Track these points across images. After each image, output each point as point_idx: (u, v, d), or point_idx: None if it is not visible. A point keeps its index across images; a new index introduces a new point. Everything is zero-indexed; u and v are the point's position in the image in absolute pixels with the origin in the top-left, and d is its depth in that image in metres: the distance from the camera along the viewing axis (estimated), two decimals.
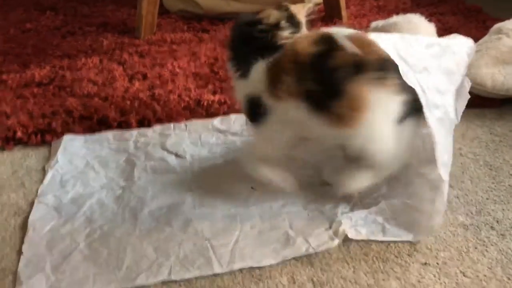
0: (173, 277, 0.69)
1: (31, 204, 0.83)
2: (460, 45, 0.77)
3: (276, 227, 0.77)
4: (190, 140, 1.00)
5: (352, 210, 0.80)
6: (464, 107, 0.75)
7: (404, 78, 0.66)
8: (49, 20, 1.64)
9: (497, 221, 0.78)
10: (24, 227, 0.79)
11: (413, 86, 0.66)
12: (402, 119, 0.69)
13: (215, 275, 0.69)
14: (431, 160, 0.70)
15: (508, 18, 1.52)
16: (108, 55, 1.36)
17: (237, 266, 0.70)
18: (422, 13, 1.59)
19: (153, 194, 0.85)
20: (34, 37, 1.49)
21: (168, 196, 0.85)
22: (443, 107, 0.69)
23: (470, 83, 0.77)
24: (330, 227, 0.76)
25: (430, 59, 0.71)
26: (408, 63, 0.67)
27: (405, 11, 1.64)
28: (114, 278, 0.69)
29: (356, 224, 0.76)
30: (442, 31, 1.47)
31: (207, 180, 0.89)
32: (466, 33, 1.38)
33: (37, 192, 0.86)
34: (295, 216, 0.79)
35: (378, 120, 0.68)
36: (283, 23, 0.75)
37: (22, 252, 0.74)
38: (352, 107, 0.67)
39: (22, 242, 0.75)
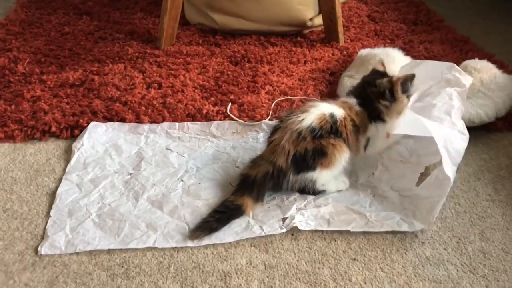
0: (156, 245, 0.93)
1: (59, 184, 1.08)
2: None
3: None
4: (189, 142, 1.22)
5: (306, 207, 1.01)
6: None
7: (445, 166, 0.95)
8: (84, 24, 1.87)
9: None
10: (53, 197, 1.04)
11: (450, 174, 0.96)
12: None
13: (192, 253, 0.92)
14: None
15: (493, 50, 1.70)
16: (132, 62, 1.58)
17: (204, 242, 0.93)
18: (413, 40, 1.78)
19: (153, 183, 1.09)
20: (71, 41, 1.73)
21: (164, 186, 1.08)
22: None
23: None
24: (283, 219, 0.98)
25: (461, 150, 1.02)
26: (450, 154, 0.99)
27: (399, 36, 1.81)
28: (114, 241, 0.94)
29: (307, 219, 0.98)
30: (426, 59, 1.62)
31: (196, 175, 1.11)
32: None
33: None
34: (257, 208, 1.01)
35: None
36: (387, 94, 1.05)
37: (50, 215, 0.99)
38: None
39: (51, 208, 1.01)
